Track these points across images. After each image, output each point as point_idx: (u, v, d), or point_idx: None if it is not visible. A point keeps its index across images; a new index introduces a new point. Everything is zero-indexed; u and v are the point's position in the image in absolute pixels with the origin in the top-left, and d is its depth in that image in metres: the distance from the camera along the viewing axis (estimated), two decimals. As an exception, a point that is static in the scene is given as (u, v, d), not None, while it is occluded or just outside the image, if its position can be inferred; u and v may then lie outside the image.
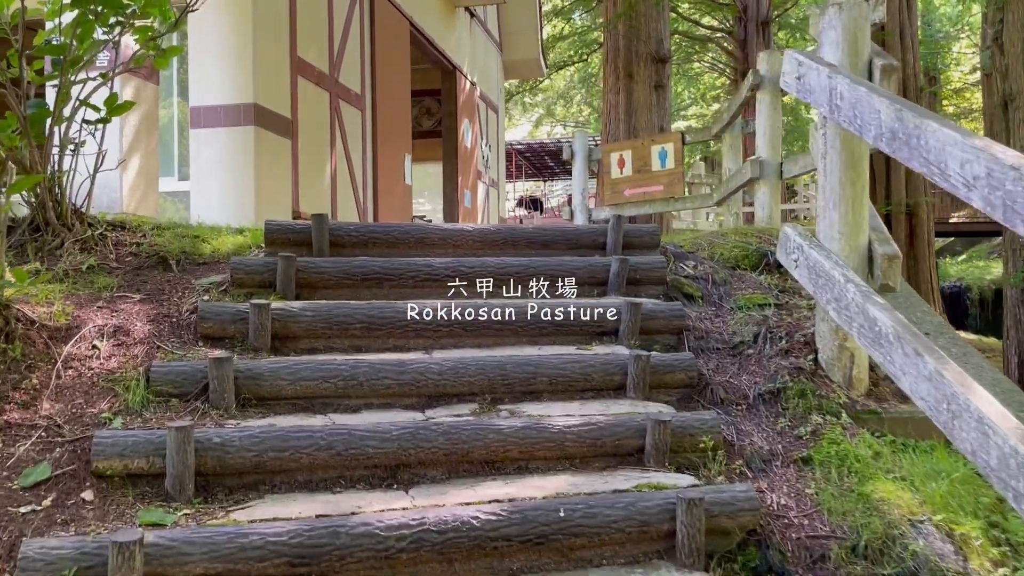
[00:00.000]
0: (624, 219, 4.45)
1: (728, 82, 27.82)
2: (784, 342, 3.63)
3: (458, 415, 3.13)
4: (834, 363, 3.49)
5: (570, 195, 35.99)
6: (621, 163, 9.39)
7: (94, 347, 3.22)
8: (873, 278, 3.50)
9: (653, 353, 3.48)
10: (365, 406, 3.20)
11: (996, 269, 22.62)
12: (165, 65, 5.01)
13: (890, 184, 12.84)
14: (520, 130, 41.10)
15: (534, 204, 33.08)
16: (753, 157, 6.84)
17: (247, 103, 9.77)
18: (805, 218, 21.71)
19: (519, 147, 31.54)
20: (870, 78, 3.60)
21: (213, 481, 2.73)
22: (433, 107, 20.39)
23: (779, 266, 4.55)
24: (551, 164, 34.65)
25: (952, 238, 28.89)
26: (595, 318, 3.73)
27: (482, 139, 18.77)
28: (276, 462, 2.75)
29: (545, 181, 38.09)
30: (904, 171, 12.70)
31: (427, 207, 23.02)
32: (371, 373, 3.19)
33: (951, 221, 26.06)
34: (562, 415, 3.08)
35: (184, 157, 10.08)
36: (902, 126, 2.65)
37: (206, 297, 3.72)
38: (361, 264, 3.93)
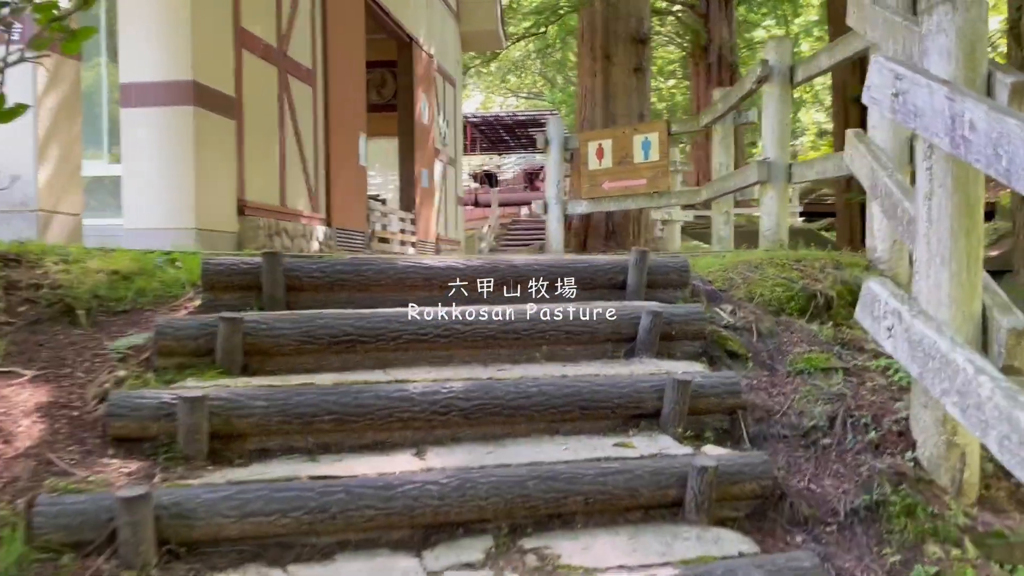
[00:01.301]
0: (648, 255, 3.58)
1: (685, 55, 27.03)
2: (872, 431, 2.82)
3: (468, 563, 2.25)
4: (940, 463, 2.71)
5: (526, 171, 35.01)
6: (600, 153, 8.52)
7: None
8: (989, 354, 2.72)
9: (720, 455, 2.64)
10: (339, 546, 2.30)
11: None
12: (75, 50, 3.99)
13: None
14: (472, 101, 39.87)
15: (489, 179, 32.02)
16: (759, 158, 6.02)
17: (185, 80, 8.63)
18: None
19: (474, 120, 30.41)
20: (989, 96, 2.79)
21: None
22: (388, 79, 19.22)
23: (828, 307, 3.75)
24: (506, 138, 33.60)
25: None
26: (631, 398, 2.87)
27: (439, 114, 17.69)
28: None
29: (500, 155, 37.01)
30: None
31: (379, 181, 21.88)
32: (347, 501, 2.29)
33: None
34: (614, 566, 2.23)
35: (116, 135, 8.91)
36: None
37: (122, 373, 2.76)
38: (328, 323, 3.00)
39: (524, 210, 29.07)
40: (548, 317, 3.18)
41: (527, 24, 23.99)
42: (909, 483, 2.61)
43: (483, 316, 3.13)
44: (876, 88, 2.89)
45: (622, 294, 3.64)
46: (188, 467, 2.44)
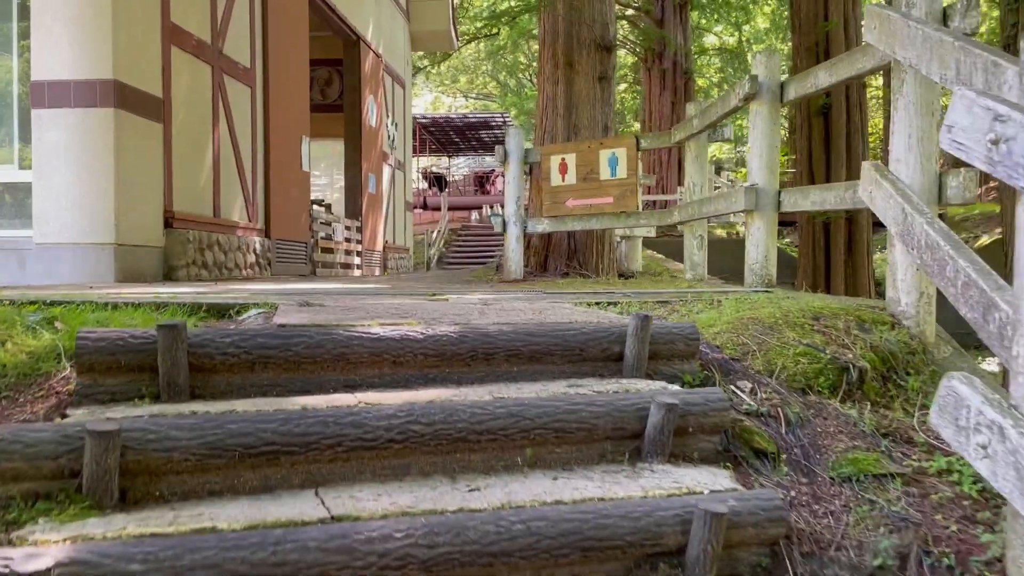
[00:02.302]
0: (650, 320, 2.87)
1: (636, 60, 26.56)
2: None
3: None
4: (1055, 628, 2.06)
5: (476, 173, 34.19)
6: (563, 168, 7.81)
7: None
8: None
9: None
10: None
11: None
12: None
13: (831, 187, 11.74)
14: (421, 100, 38.90)
15: (438, 182, 31.11)
16: (746, 184, 5.37)
17: (105, 79, 7.67)
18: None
19: (423, 121, 29.48)
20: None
21: None
22: (334, 78, 18.22)
23: (861, 383, 3.09)
24: (456, 140, 32.75)
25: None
26: (648, 532, 2.15)
27: (387, 117, 16.78)
28: None
29: (450, 156, 36.10)
30: (845, 175, 11.61)
31: (324, 181, 20.79)
32: None
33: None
34: None
35: (28, 134, 7.89)
36: None
37: (-58, 513, 1.94)
38: (242, 428, 2.21)
39: (474, 214, 28.30)
40: (533, 411, 2.44)
41: (479, 24, 23.24)
42: (1022, 662, 1.94)
43: (449, 412, 2.38)
44: (964, 131, 2.20)
45: (619, 367, 2.91)
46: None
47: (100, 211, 7.73)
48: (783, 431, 2.74)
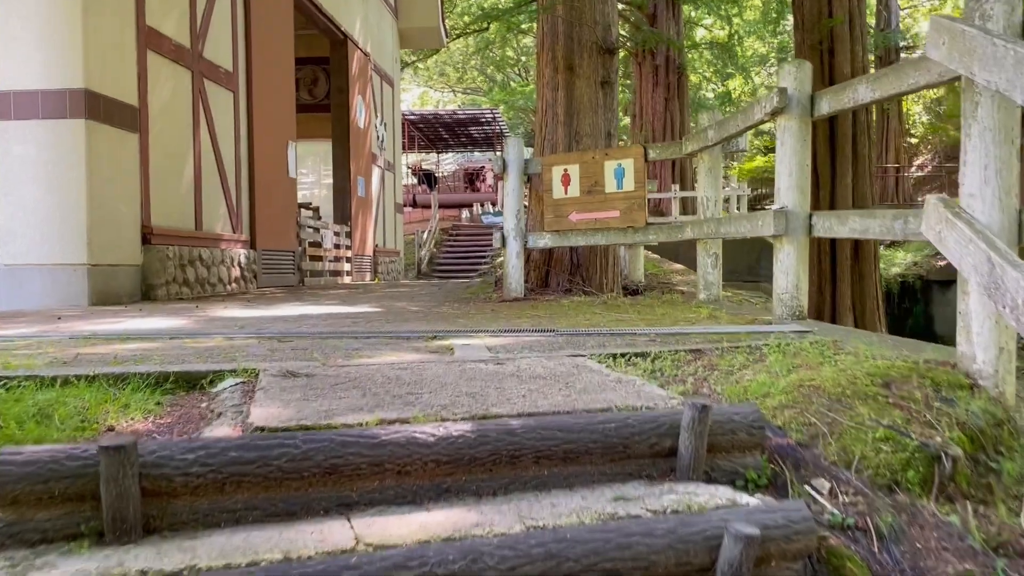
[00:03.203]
0: (709, 411, 2.33)
1: (626, 54, 25.96)
2: None
3: None
4: None
5: (466, 170, 33.49)
6: (566, 180, 7.27)
7: None
8: None
9: None
10: None
11: (898, 257, 21.87)
12: None
13: (835, 192, 11.23)
14: (409, 94, 38.16)
15: (428, 179, 30.42)
16: (775, 207, 4.85)
17: (75, 88, 7.06)
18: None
19: (411, 117, 28.81)
20: None
21: None
22: (320, 77, 17.55)
23: (954, 472, 2.57)
24: (445, 136, 32.06)
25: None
26: None
27: (376, 117, 16.15)
28: None
29: (439, 152, 35.38)
30: (851, 177, 11.11)
31: (311, 179, 20.14)
32: None
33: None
34: None
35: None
36: None
37: None
38: (204, 598, 1.67)
39: (465, 212, 27.67)
40: (577, 548, 1.90)
41: (468, 19, 22.63)
42: None
43: (471, 556, 1.83)
44: None
45: (669, 464, 2.38)
46: None
47: (71, 229, 7.15)
48: (875, 549, 2.22)
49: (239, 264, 9.77)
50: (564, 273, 7.89)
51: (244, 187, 10.20)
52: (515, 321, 5.09)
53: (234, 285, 9.55)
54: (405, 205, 26.03)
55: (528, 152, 8.05)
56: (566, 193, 7.23)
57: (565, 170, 7.23)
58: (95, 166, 7.18)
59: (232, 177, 9.89)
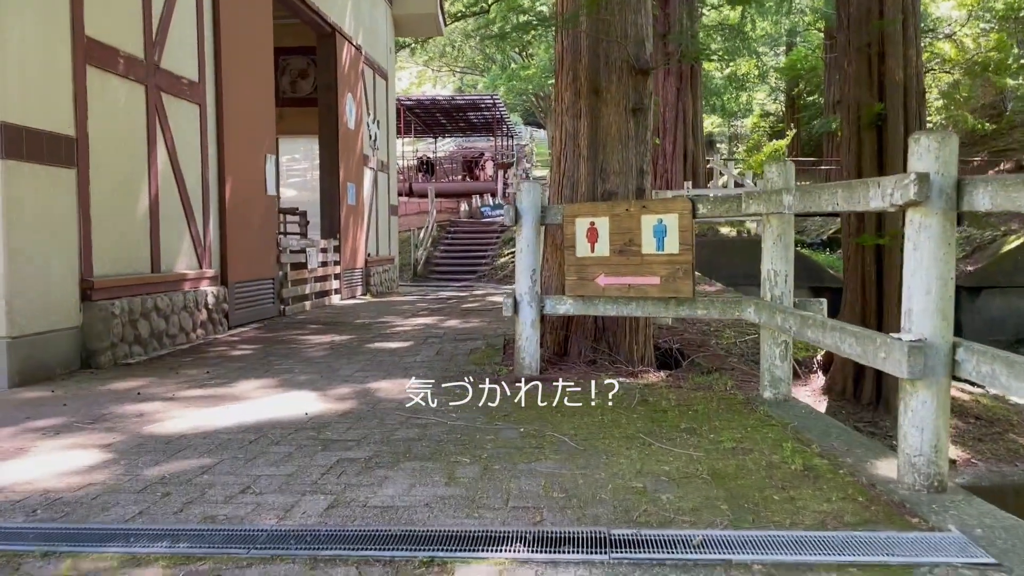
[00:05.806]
0: None
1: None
2: None
3: None
4: None
5: (465, 158, 31.91)
6: (592, 235, 5.90)
7: None
8: None
9: None
10: None
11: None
12: None
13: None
14: (403, 73, 36.44)
15: (426, 167, 28.88)
16: (913, 339, 3.46)
17: (-12, 120, 5.63)
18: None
19: (407, 103, 27.19)
20: None
21: None
22: (309, 69, 15.99)
23: None
24: (443, 121, 30.44)
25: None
26: None
27: (368, 115, 14.63)
28: None
29: (435, 138, 33.72)
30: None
31: (296, 179, 18.62)
32: None
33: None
34: None
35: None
36: None
37: None
38: None
39: (464, 206, 26.15)
40: None
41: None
42: None
43: None
44: None
45: None
46: None
47: (-14, 293, 5.74)
48: None
49: (206, 306, 8.38)
50: (587, 339, 6.54)
51: (213, 214, 8.77)
52: (534, 463, 3.75)
53: (200, 332, 8.17)
54: (401, 195, 24.54)
55: (542, 190, 6.61)
56: (592, 251, 5.85)
57: (592, 223, 5.85)
58: (15, 216, 5.77)
59: (198, 204, 8.47)
